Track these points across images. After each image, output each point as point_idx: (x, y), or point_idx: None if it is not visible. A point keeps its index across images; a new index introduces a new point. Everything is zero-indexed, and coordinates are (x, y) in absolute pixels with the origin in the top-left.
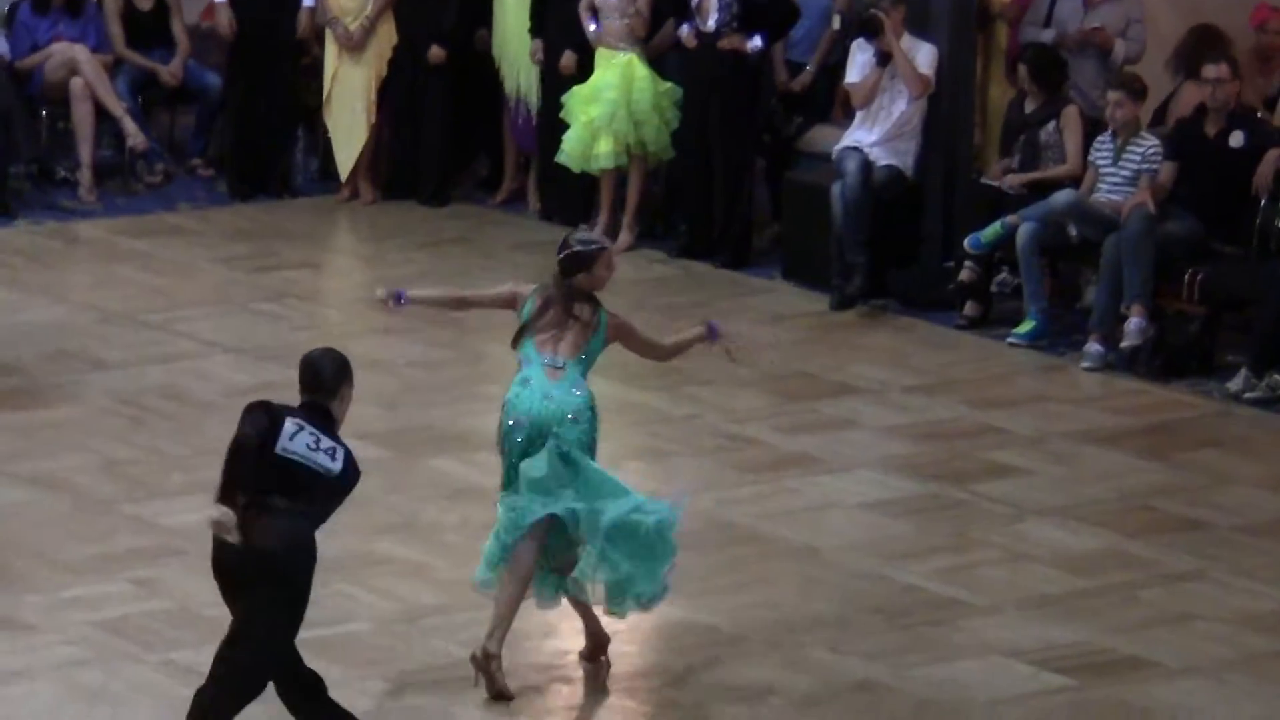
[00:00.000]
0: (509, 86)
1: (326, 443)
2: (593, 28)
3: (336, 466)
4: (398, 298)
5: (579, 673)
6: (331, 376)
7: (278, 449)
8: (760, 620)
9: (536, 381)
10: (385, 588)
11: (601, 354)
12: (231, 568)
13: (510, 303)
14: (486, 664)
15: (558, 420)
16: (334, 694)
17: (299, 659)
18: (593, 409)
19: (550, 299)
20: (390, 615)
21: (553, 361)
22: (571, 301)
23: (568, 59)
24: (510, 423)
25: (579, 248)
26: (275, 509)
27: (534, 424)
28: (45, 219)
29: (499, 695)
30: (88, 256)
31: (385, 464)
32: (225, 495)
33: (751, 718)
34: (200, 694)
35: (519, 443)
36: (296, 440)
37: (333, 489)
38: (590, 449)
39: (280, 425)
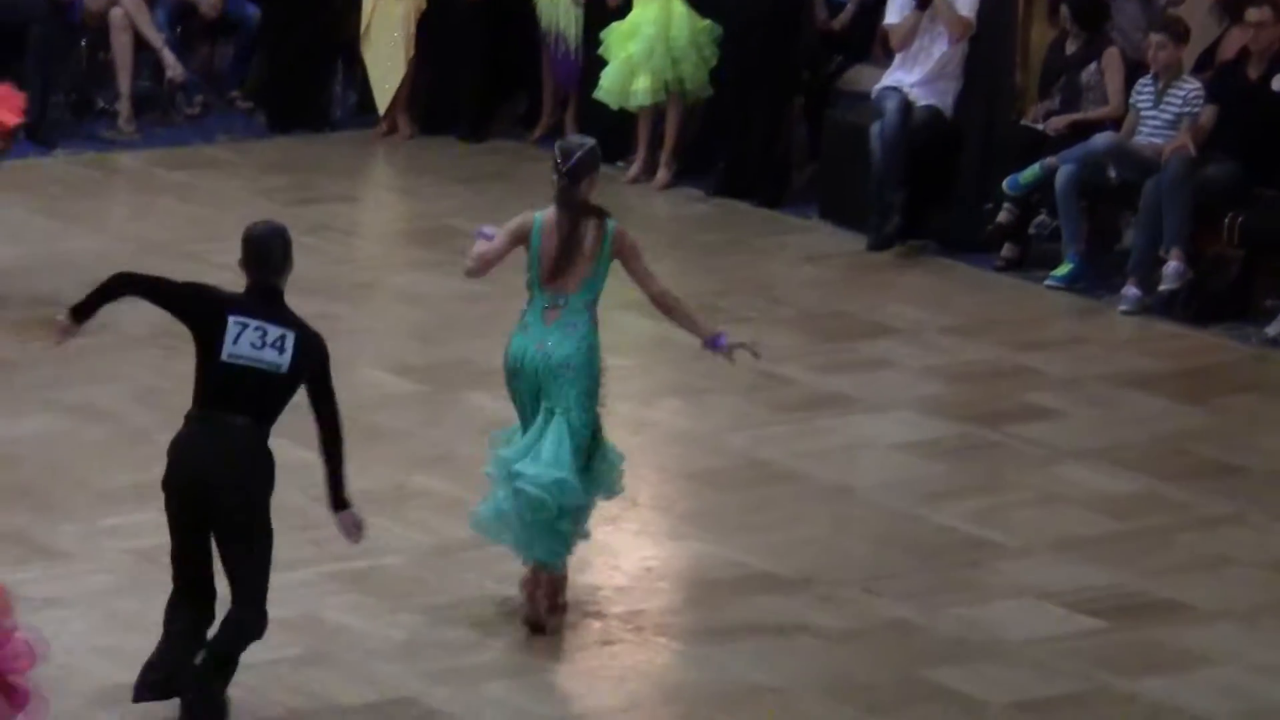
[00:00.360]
0: (546, 22)
1: (274, 333)
2: None
3: (285, 361)
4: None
5: (612, 608)
6: (280, 252)
7: (224, 357)
8: (793, 559)
9: (533, 326)
10: (420, 521)
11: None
12: (189, 496)
13: (523, 236)
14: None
15: (552, 376)
16: (368, 626)
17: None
18: (589, 347)
19: (556, 223)
20: (425, 549)
21: (553, 300)
22: (577, 223)
23: None
24: (509, 370)
25: (581, 153)
26: (221, 427)
27: (530, 374)
28: (84, 150)
29: (536, 625)
30: (126, 187)
31: (422, 398)
32: (79, 307)
33: (784, 654)
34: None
35: (521, 390)
36: (241, 342)
37: (285, 386)
38: (589, 396)
39: (224, 327)
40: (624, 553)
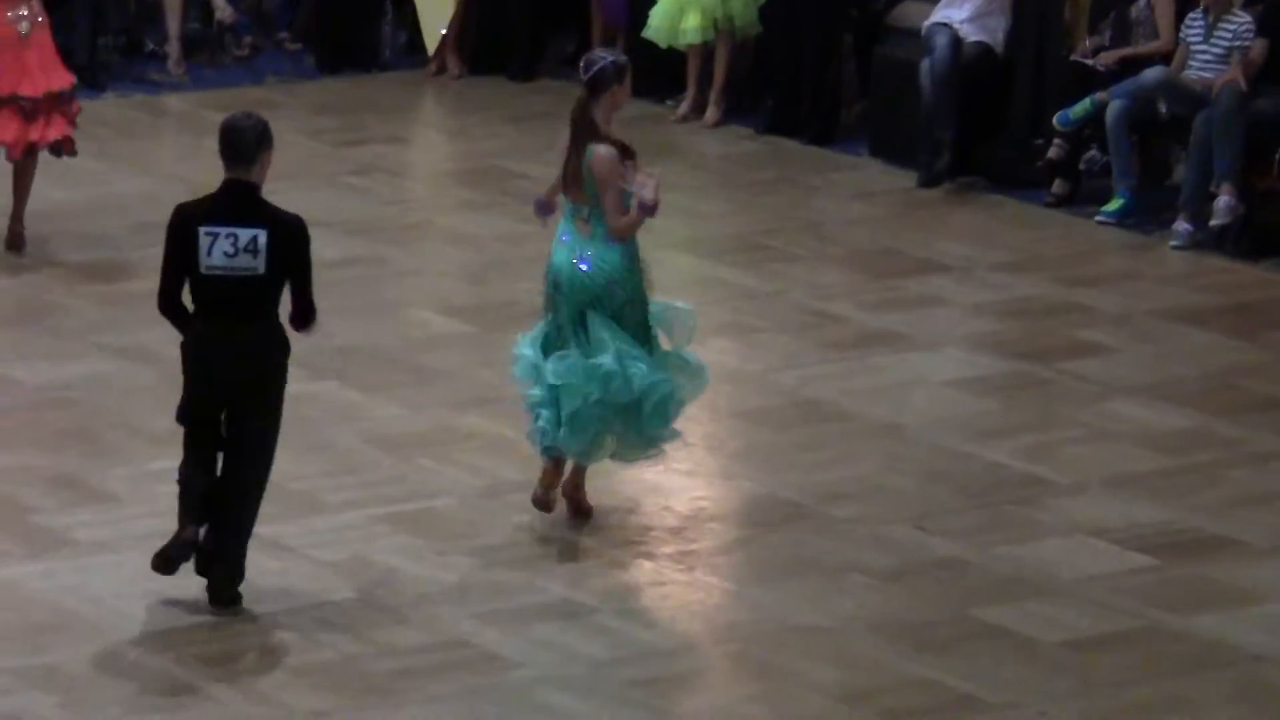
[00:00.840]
0: None
1: (245, 236)
2: None
3: (260, 264)
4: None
5: (663, 548)
6: (254, 143)
7: (202, 269)
8: (844, 498)
9: (569, 238)
10: (470, 462)
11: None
12: (208, 399)
13: None
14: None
15: (600, 295)
16: (419, 567)
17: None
18: (630, 261)
19: (571, 135)
20: (474, 490)
21: (577, 210)
22: (580, 136)
23: None
24: (551, 283)
25: (602, 63)
26: (229, 335)
27: (575, 294)
28: (133, 91)
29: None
30: (175, 129)
31: (470, 339)
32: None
33: (834, 594)
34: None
35: (561, 306)
36: (215, 252)
37: (270, 283)
38: (638, 306)
39: (195, 243)
40: (675, 493)
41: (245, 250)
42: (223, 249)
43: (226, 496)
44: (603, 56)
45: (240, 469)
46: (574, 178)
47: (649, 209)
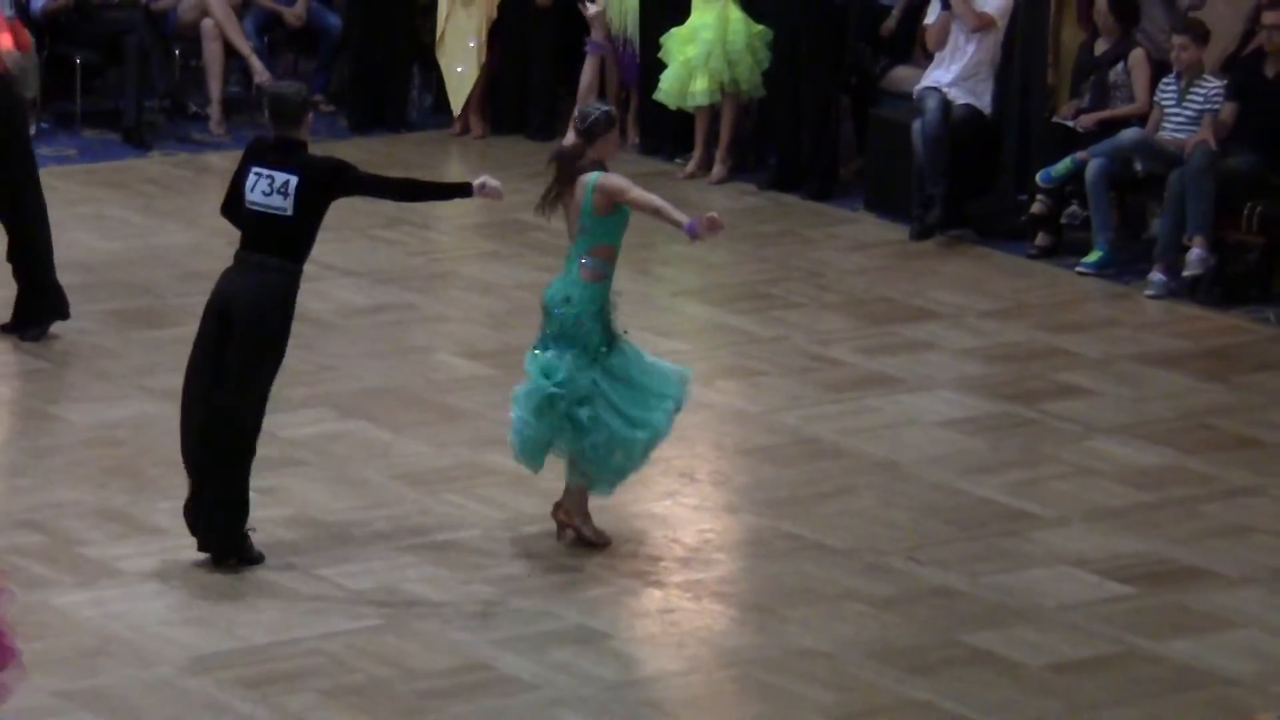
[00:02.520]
0: (615, 27)
1: (280, 178)
2: None
3: (288, 205)
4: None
5: (672, 578)
6: (295, 104)
7: (246, 202)
8: (842, 530)
9: (560, 269)
10: (492, 497)
11: (609, 223)
12: (217, 312)
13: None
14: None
15: (552, 306)
16: (443, 597)
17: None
18: (564, 299)
19: (556, 175)
20: (496, 523)
21: (570, 247)
22: (574, 179)
23: None
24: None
25: (597, 114)
26: (254, 265)
27: (544, 309)
28: (178, 150)
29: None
30: (217, 185)
31: (493, 381)
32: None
33: (833, 620)
34: (191, 450)
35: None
36: (256, 189)
37: (296, 226)
38: (556, 340)
39: (246, 176)
40: (682, 526)
41: (278, 191)
42: (262, 187)
43: (208, 434)
44: (596, 107)
45: (221, 396)
46: (567, 212)
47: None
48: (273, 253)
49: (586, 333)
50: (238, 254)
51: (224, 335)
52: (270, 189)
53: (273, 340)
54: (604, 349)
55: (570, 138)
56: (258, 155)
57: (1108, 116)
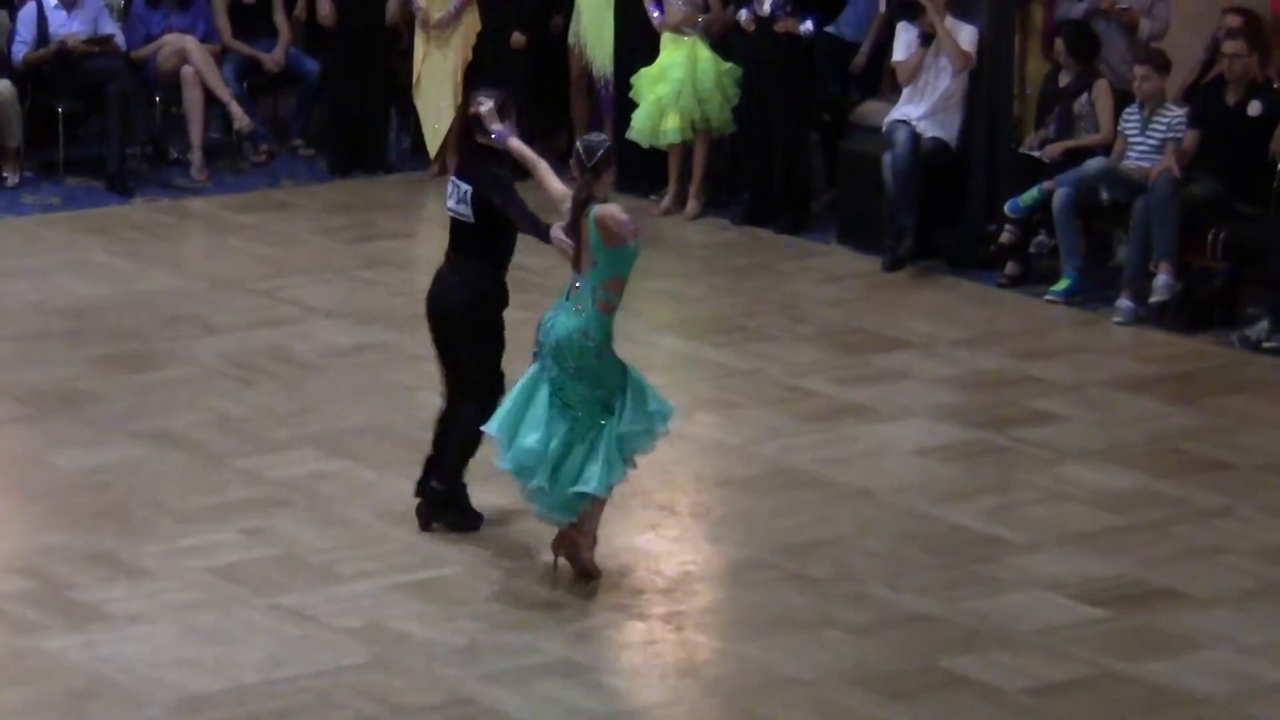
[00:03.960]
0: (597, 67)
1: (462, 188)
2: (656, 15)
3: (469, 210)
4: (498, 135)
5: (654, 609)
6: (601, 158)
7: (447, 208)
8: (820, 559)
9: (559, 301)
10: (476, 533)
11: (619, 256)
12: (433, 316)
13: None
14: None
15: (552, 350)
16: (429, 631)
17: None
18: (585, 331)
19: (573, 213)
20: (481, 559)
21: (575, 278)
22: (583, 212)
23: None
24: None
25: (603, 150)
26: (454, 264)
27: (541, 345)
28: (160, 196)
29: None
30: (199, 230)
31: None
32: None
33: (813, 648)
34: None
35: (540, 355)
36: (451, 198)
37: (483, 229)
38: (581, 375)
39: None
40: (664, 557)
41: (461, 200)
42: (453, 195)
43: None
44: (601, 139)
45: (454, 399)
46: (579, 245)
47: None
48: (470, 252)
49: (608, 364)
50: (446, 255)
51: (442, 335)
52: (455, 197)
53: (490, 329)
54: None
55: (575, 172)
56: (456, 167)
57: (1073, 146)
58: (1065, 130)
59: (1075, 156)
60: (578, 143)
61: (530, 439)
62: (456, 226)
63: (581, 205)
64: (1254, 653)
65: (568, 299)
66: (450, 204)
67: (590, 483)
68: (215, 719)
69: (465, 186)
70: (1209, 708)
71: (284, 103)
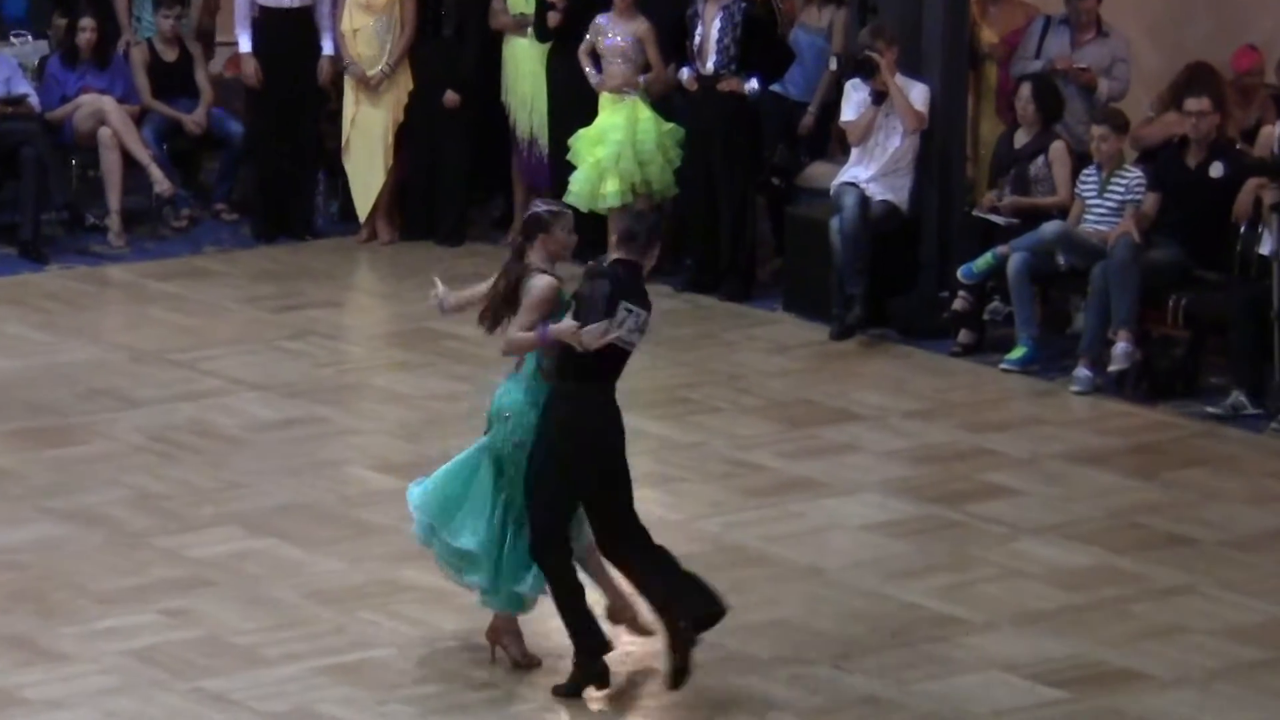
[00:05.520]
0: (521, 129)
1: (643, 316)
2: (595, 75)
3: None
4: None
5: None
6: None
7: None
8: (767, 639)
9: (511, 372)
10: (407, 614)
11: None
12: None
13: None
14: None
15: (495, 419)
16: (360, 717)
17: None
18: (526, 404)
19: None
20: (412, 640)
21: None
22: (511, 271)
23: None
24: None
25: (536, 209)
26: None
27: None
28: (76, 263)
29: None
30: (118, 299)
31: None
32: None
33: None
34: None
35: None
36: (625, 328)
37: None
38: (519, 448)
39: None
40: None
41: (639, 329)
42: (629, 325)
43: None
44: (537, 204)
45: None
46: (505, 308)
47: (578, 341)
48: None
49: (503, 432)
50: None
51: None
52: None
53: (540, 468)
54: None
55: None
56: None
57: (1028, 205)
58: (1021, 193)
59: (1031, 220)
60: (553, 212)
61: (470, 541)
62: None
63: (509, 265)
64: None
65: (516, 369)
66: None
67: (526, 584)
68: None
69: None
70: None
71: (207, 166)
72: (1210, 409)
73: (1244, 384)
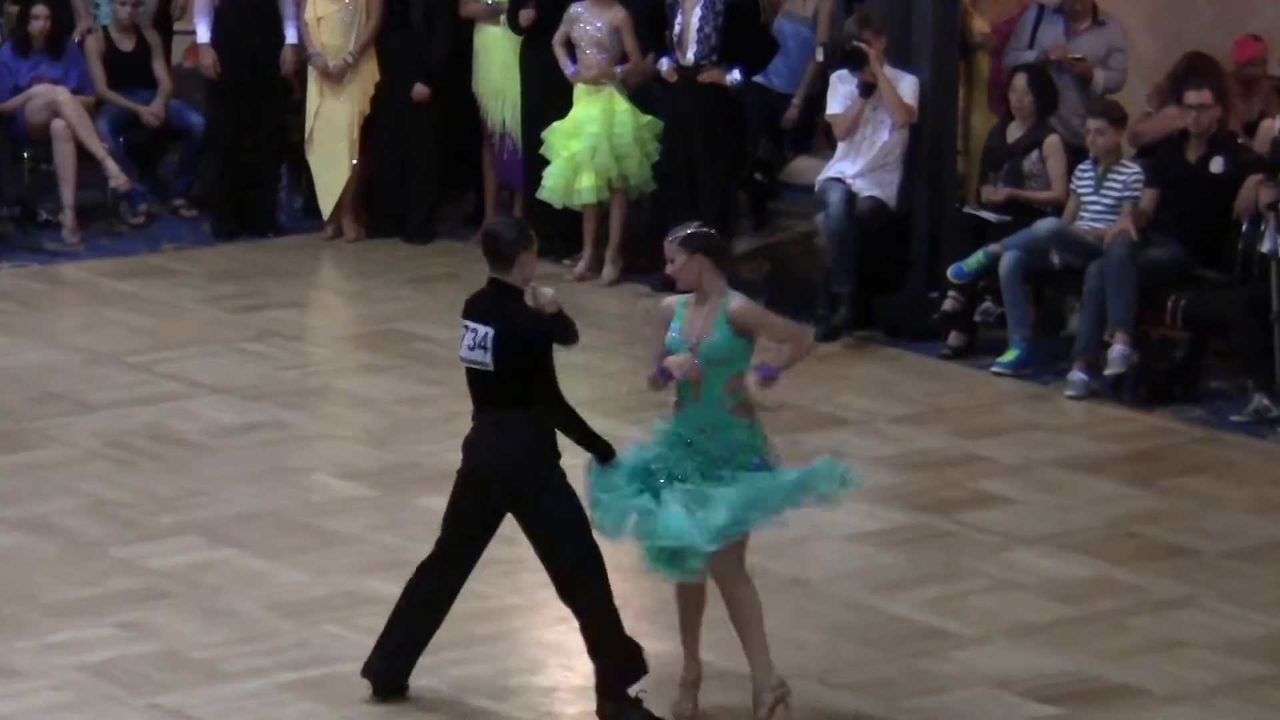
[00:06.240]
0: (493, 121)
1: (481, 332)
2: (570, 66)
3: (488, 359)
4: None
5: (568, 709)
6: (508, 244)
7: (460, 358)
8: None
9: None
10: (373, 626)
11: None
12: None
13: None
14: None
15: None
16: None
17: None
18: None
19: None
20: None
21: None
22: None
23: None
24: None
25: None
26: (483, 425)
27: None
28: (29, 261)
29: None
30: (73, 299)
31: (373, 502)
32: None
33: None
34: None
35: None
36: (463, 345)
37: (503, 380)
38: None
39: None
40: (577, 653)
41: (479, 345)
42: (467, 341)
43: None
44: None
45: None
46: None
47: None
48: (483, 407)
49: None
50: (473, 416)
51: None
52: (474, 343)
53: (554, 486)
54: None
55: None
56: (466, 309)
57: (1021, 197)
58: (1014, 188)
59: (1024, 217)
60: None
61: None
62: (475, 378)
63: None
64: None
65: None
66: (463, 352)
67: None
68: None
69: (484, 329)
70: None
71: (165, 159)
72: (1235, 418)
73: (1262, 386)
